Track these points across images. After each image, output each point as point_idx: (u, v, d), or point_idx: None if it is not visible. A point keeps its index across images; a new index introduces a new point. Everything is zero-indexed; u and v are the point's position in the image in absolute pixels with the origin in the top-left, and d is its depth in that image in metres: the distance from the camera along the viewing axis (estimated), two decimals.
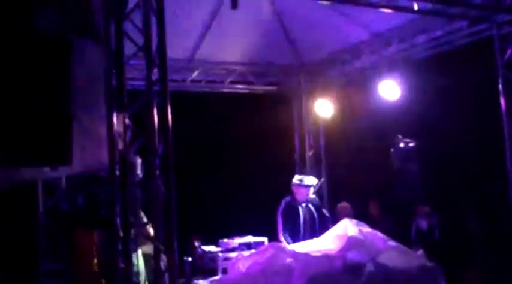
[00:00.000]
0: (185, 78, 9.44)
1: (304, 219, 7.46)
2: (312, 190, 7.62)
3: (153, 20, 5.48)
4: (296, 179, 7.62)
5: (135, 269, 6.54)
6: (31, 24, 3.45)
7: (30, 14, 3.47)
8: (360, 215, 7.73)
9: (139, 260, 6.10)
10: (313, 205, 7.60)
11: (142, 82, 5.58)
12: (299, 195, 7.50)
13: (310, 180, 7.65)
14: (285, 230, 7.31)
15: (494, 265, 8.03)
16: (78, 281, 6.19)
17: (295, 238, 7.25)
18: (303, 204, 7.51)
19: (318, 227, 7.40)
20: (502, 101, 7.24)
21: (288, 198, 7.51)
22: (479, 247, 8.25)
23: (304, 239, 7.15)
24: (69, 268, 6.23)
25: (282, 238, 7.26)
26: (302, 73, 10.41)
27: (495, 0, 7.01)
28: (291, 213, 7.40)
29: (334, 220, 7.68)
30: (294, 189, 7.53)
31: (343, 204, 9.08)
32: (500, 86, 7.27)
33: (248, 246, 8.05)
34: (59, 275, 6.15)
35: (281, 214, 7.37)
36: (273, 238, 7.53)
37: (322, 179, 10.12)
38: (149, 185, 5.42)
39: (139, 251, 6.07)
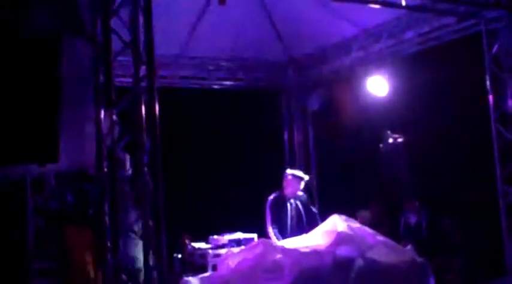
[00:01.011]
0: (173, 74, 9.41)
1: (291, 215, 7.47)
2: (303, 184, 7.63)
3: (141, 16, 5.45)
4: (289, 172, 7.64)
5: (138, 265, 6.52)
6: (20, 23, 3.43)
7: (20, 12, 3.46)
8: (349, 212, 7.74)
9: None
10: (301, 201, 7.60)
11: (130, 79, 5.55)
12: (290, 187, 7.50)
13: (301, 174, 7.69)
14: (273, 223, 7.32)
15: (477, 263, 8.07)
16: (68, 280, 6.17)
17: (282, 233, 7.27)
18: (291, 200, 7.52)
19: (305, 224, 7.38)
20: (490, 96, 7.29)
21: (276, 193, 7.52)
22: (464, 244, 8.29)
23: (291, 235, 7.16)
24: (59, 266, 6.21)
25: (270, 230, 7.28)
26: (291, 69, 10.41)
27: None
28: (279, 207, 7.42)
29: None
30: (286, 181, 7.53)
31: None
32: (487, 82, 7.31)
33: (238, 243, 8.04)
34: (49, 274, 6.12)
35: (269, 207, 7.39)
36: (263, 234, 7.54)
37: (311, 175, 10.14)
38: (137, 181, 5.41)
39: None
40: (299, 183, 7.56)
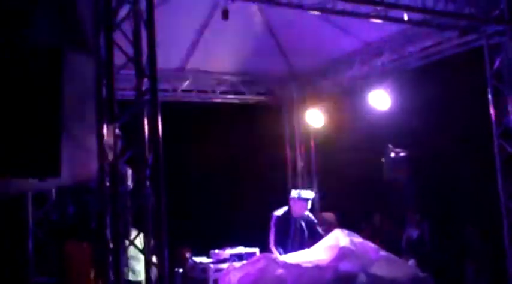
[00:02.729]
0: (176, 88, 9.43)
1: (294, 235, 7.38)
2: (309, 204, 7.53)
3: (143, 30, 5.47)
4: (294, 193, 7.53)
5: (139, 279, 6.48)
6: (22, 37, 3.43)
7: (22, 26, 3.46)
8: (351, 226, 7.70)
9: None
10: (306, 222, 7.49)
11: (133, 92, 5.55)
12: (297, 209, 7.39)
13: (308, 194, 7.57)
14: (276, 242, 7.23)
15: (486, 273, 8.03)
16: None
17: (284, 252, 7.17)
18: (297, 220, 7.42)
19: (307, 245, 7.21)
20: (492, 110, 7.27)
21: (283, 210, 7.42)
22: (472, 256, 8.24)
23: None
24: (59, 280, 6.18)
25: (273, 249, 7.21)
26: (293, 83, 10.42)
27: (484, 11, 7.06)
28: (284, 226, 7.32)
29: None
30: (291, 203, 7.41)
31: (328, 214, 9.08)
32: (489, 96, 7.31)
33: (239, 257, 8.00)
34: None
35: (274, 225, 7.30)
36: (265, 248, 7.49)
37: (314, 190, 10.11)
38: (139, 195, 5.39)
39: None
40: (306, 204, 7.45)
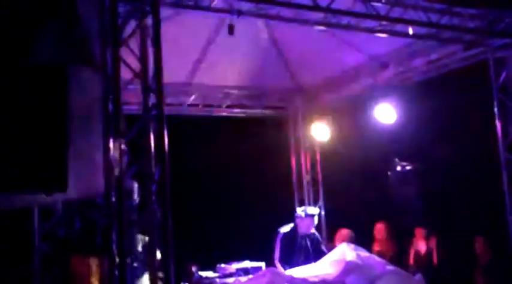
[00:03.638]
0: (182, 102, 9.46)
1: (299, 252, 7.36)
2: (316, 219, 7.52)
3: (150, 45, 5.51)
4: (300, 211, 7.51)
5: None
6: (28, 53, 3.47)
7: (27, 43, 3.49)
8: (358, 239, 7.68)
9: None
10: (311, 240, 7.47)
11: (139, 107, 5.58)
12: (304, 227, 7.38)
13: (313, 210, 7.57)
14: (281, 260, 7.21)
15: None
16: None
17: (289, 268, 7.15)
18: (302, 238, 7.40)
19: (311, 263, 7.18)
20: (498, 124, 7.27)
21: (291, 227, 7.40)
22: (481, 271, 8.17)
23: None
24: None
25: (278, 265, 7.19)
26: (299, 96, 10.43)
27: (488, 24, 7.08)
28: (289, 243, 7.30)
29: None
30: (298, 221, 7.40)
31: (343, 231, 9.03)
32: (495, 109, 7.31)
33: (246, 271, 7.96)
34: None
35: (280, 242, 7.29)
36: (271, 263, 7.47)
37: (320, 203, 10.10)
38: (145, 210, 5.40)
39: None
40: (312, 221, 7.44)
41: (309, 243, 7.40)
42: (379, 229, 8.98)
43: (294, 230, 7.36)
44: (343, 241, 7.57)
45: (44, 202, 5.44)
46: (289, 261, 7.21)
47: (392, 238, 8.94)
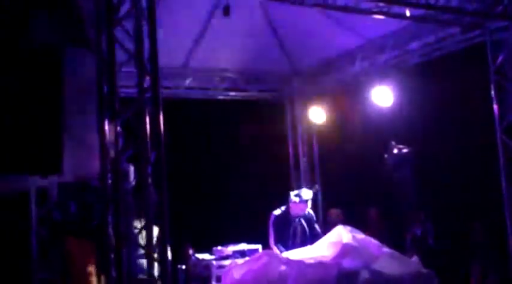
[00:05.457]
0: (178, 85, 9.42)
1: (295, 233, 7.34)
2: (309, 204, 7.48)
3: (145, 27, 5.45)
4: (293, 195, 7.45)
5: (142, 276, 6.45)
6: (24, 35, 3.44)
7: (22, 25, 3.46)
8: (354, 222, 7.68)
9: None
10: (306, 219, 7.46)
11: (134, 90, 5.54)
12: (298, 210, 7.34)
13: (307, 194, 7.51)
14: (276, 242, 7.20)
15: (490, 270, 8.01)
16: None
17: (285, 249, 7.15)
18: (296, 218, 7.38)
19: (309, 243, 7.15)
20: (495, 106, 7.25)
21: (281, 209, 7.37)
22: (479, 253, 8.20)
23: None
24: (61, 277, 6.19)
25: (273, 247, 7.20)
26: (295, 80, 10.40)
27: (487, 6, 7.04)
28: (283, 225, 7.27)
29: (327, 227, 7.60)
30: (292, 206, 7.36)
31: (334, 210, 9.07)
32: (492, 92, 7.29)
33: (242, 254, 7.99)
34: None
35: (272, 225, 7.25)
36: (267, 245, 7.49)
37: (316, 186, 10.10)
38: (141, 193, 5.38)
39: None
40: (305, 205, 7.39)
41: (304, 222, 7.39)
42: (371, 215, 9.04)
43: (286, 211, 7.33)
44: (336, 218, 7.56)
45: (40, 185, 5.43)
46: (285, 242, 7.21)
47: (383, 224, 8.98)
